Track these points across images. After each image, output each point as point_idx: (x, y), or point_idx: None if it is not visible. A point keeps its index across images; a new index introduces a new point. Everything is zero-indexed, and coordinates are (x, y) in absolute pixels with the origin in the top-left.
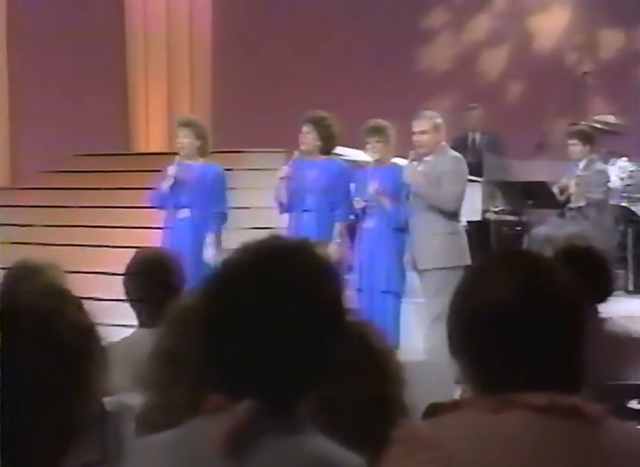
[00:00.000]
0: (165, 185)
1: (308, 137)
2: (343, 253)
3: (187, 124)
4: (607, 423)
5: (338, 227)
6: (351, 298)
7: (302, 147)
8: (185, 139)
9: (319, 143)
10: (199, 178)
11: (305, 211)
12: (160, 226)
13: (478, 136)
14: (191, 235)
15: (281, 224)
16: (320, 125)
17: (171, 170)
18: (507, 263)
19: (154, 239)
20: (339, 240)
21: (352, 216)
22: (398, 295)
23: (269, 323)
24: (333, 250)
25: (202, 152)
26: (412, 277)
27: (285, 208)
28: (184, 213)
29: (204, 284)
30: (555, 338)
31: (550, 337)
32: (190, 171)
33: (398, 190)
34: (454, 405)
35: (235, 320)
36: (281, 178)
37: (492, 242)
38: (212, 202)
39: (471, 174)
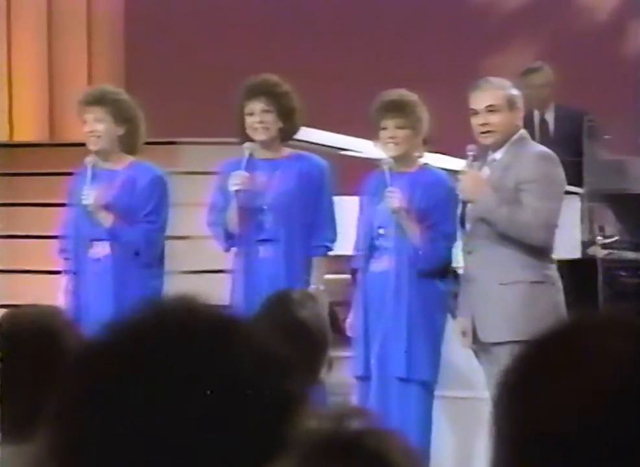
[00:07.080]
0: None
1: (266, 117)
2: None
3: (99, 99)
4: None
5: (317, 265)
6: (351, 390)
7: (259, 136)
8: (97, 125)
9: (280, 125)
10: (124, 191)
11: (263, 241)
12: (53, 269)
13: (550, 117)
14: (112, 285)
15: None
16: (277, 96)
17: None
18: (603, 338)
19: (37, 292)
20: (322, 287)
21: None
22: (428, 385)
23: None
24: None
25: (129, 145)
26: (455, 355)
27: (234, 240)
28: (101, 250)
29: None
30: None
31: None
32: (109, 180)
33: (431, 210)
34: None
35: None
36: (236, 191)
37: (600, 294)
38: (144, 229)
39: None
